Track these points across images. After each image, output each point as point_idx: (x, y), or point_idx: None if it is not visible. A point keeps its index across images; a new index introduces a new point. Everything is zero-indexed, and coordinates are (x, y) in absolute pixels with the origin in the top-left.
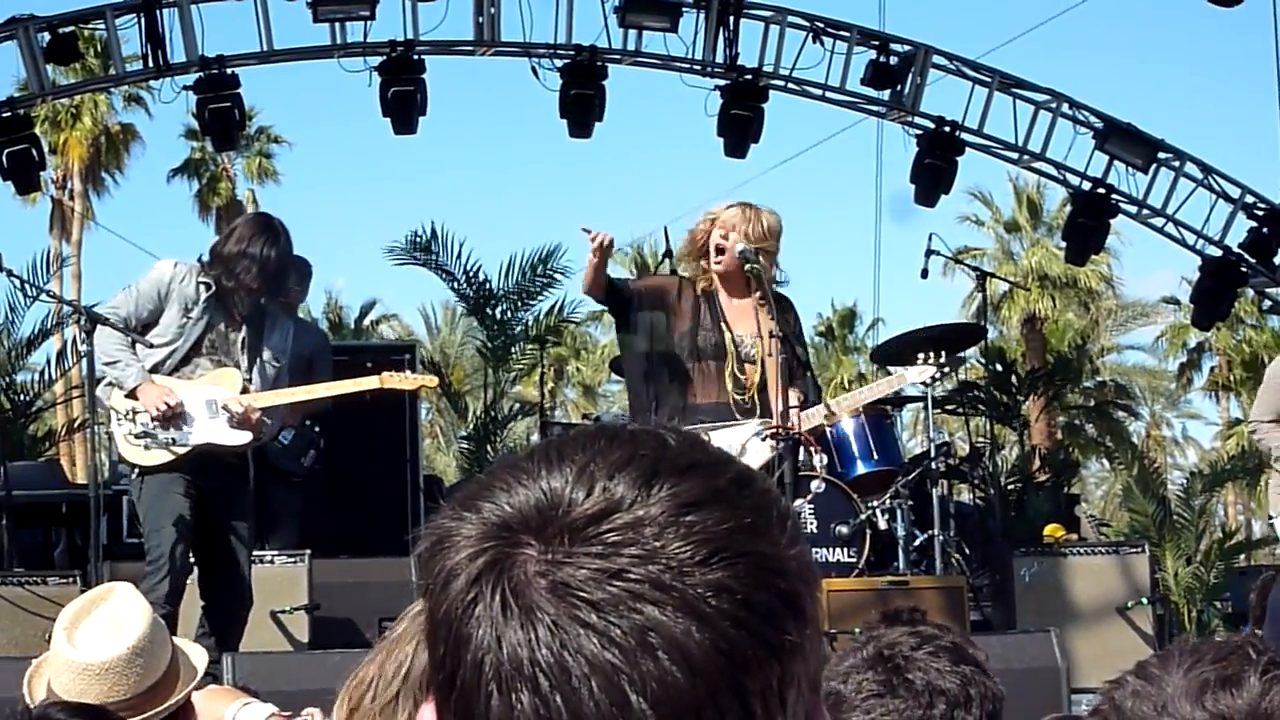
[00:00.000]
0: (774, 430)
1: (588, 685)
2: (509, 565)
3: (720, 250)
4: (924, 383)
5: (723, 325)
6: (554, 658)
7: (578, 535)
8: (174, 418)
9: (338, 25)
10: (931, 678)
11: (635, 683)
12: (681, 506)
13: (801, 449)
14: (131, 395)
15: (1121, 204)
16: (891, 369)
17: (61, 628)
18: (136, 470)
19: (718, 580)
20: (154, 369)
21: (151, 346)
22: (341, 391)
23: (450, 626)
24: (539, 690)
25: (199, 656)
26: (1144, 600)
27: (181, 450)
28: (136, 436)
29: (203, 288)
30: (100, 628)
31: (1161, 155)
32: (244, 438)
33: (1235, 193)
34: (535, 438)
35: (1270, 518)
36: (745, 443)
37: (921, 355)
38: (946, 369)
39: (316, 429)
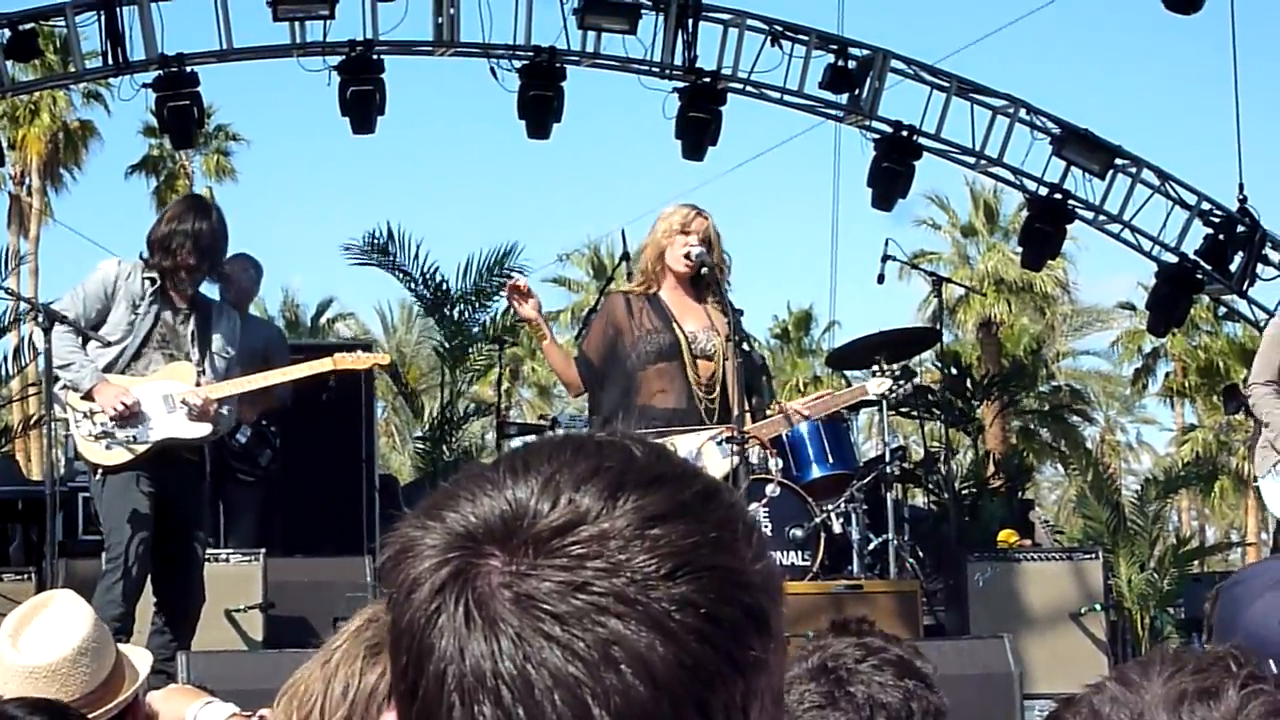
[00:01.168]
0: (729, 435)
1: (550, 698)
2: (473, 576)
3: (688, 255)
4: (882, 395)
5: (673, 324)
6: (517, 670)
7: (542, 547)
8: (131, 416)
9: (297, 24)
10: (874, 691)
11: (598, 696)
12: (647, 520)
13: (756, 452)
14: (88, 397)
15: (1078, 209)
16: (849, 375)
17: (5, 635)
18: (99, 470)
19: (682, 594)
20: (107, 367)
21: (107, 344)
22: (297, 376)
23: (413, 637)
24: (501, 702)
25: (141, 658)
26: (1097, 606)
27: (142, 447)
28: (96, 437)
29: (148, 282)
30: (44, 631)
31: (1118, 161)
32: (203, 430)
33: (1192, 199)
34: (491, 437)
35: (1257, 479)
36: (701, 447)
37: (878, 367)
38: (902, 382)
39: (273, 428)
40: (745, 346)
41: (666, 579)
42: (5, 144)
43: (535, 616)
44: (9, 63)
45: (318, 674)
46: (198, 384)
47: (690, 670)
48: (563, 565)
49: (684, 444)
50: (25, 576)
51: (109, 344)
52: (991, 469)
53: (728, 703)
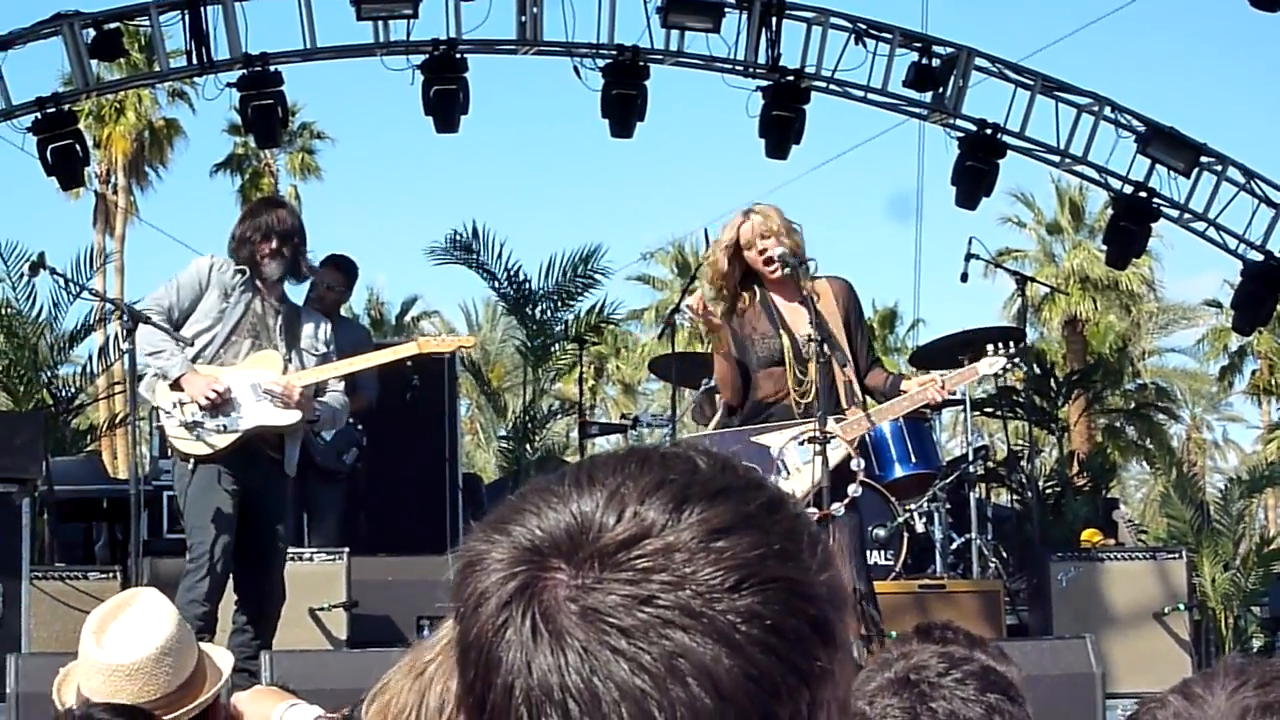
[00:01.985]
0: (812, 435)
1: (617, 711)
2: (539, 589)
3: (769, 260)
4: (996, 374)
5: (780, 330)
6: (584, 683)
7: (608, 560)
8: (222, 404)
9: (381, 23)
10: (955, 706)
11: (664, 708)
12: (712, 532)
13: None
14: (176, 386)
15: (1163, 208)
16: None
17: (90, 632)
18: (191, 460)
19: (747, 606)
20: (199, 353)
21: (191, 345)
22: (382, 361)
23: (481, 650)
24: (569, 715)
25: (224, 658)
26: (1181, 606)
27: (232, 436)
28: (187, 427)
29: (239, 274)
30: (128, 630)
31: (1204, 159)
32: (293, 417)
33: (1278, 197)
34: (574, 436)
35: None
36: (784, 446)
37: (991, 346)
38: (1017, 359)
39: (359, 427)
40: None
41: (732, 591)
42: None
43: (601, 630)
44: (94, 62)
45: (410, 685)
46: (284, 373)
47: (756, 682)
48: (628, 579)
49: (772, 442)
50: (110, 575)
51: (191, 344)
52: (1075, 468)
53: (794, 714)
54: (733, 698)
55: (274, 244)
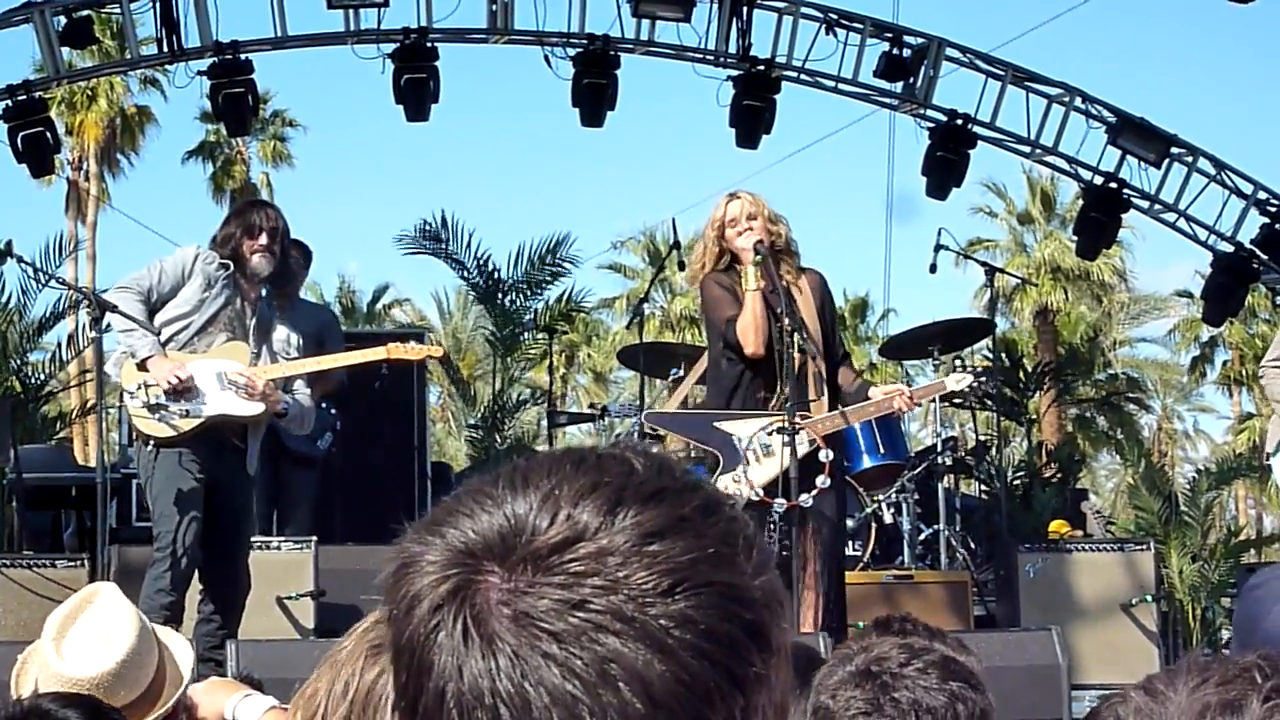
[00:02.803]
0: (781, 425)
1: (548, 716)
2: (471, 593)
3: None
4: (962, 392)
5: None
6: (515, 688)
7: (541, 564)
8: (185, 390)
9: (351, 12)
10: (918, 695)
11: (596, 714)
12: (645, 536)
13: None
14: (142, 367)
15: (1133, 198)
16: (904, 364)
17: (49, 637)
18: (151, 443)
19: (680, 611)
20: (171, 338)
21: (158, 334)
22: (349, 363)
23: (413, 653)
24: None
25: (185, 658)
26: (1149, 597)
27: (195, 422)
28: (150, 409)
29: (222, 268)
30: (87, 639)
31: (1174, 150)
32: (255, 408)
33: (1248, 189)
34: (545, 425)
35: (1269, 455)
36: (753, 436)
37: (956, 375)
38: (983, 380)
39: (333, 410)
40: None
41: (665, 596)
42: (63, 130)
43: (533, 634)
44: (65, 49)
45: (326, 672)
46: (251, 366)
47: (688, 687)
48: (561, 583)
49: (738, 430)
50: (78, 563)
51: (158, 333)
52: (1044, 459)
53: (728, 718)
54: (665, 703)
55: (264, 240)
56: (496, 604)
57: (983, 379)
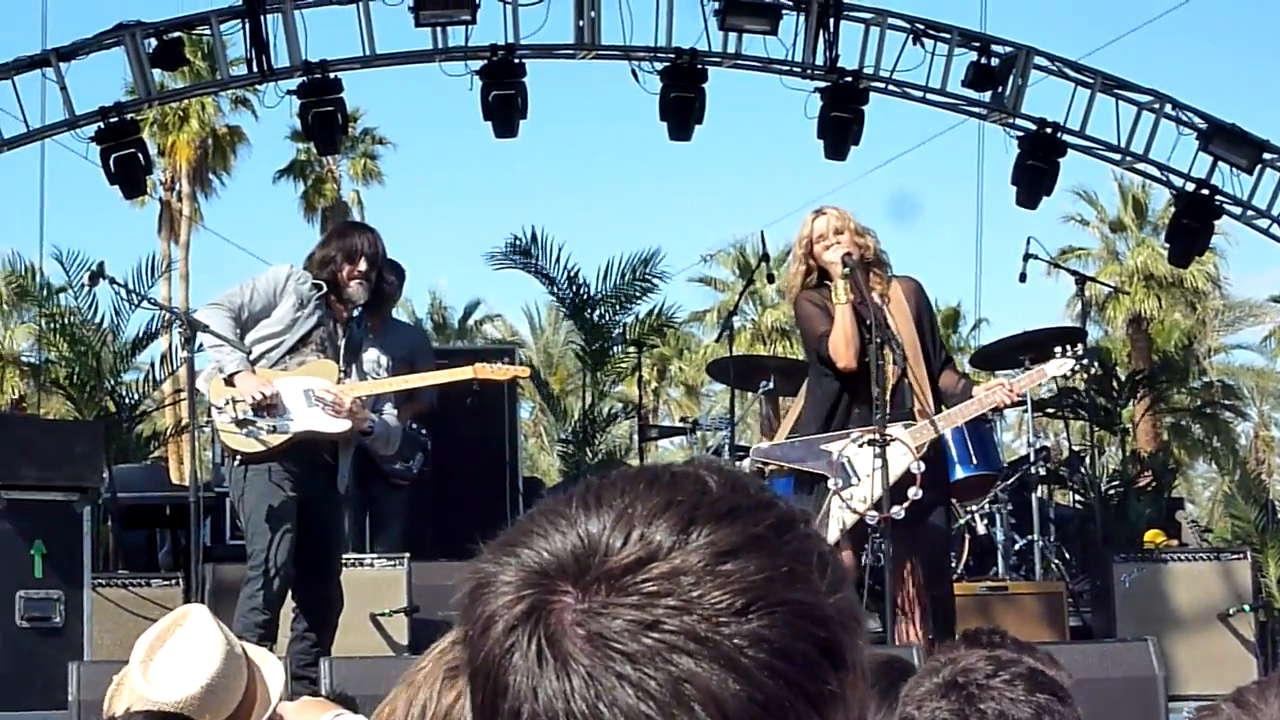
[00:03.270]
0: (872, 437)
1: None
2: (546, 613)
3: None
4: (1064, 375)
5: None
6: (589, 709)
7: (615, 584)
8: (270, 406)
9: (439, 30)
10: (1005, 707)
11: None
12: (719, 555)
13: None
14: (230, 382)
15: (1226, 205)
16: (996, 373)
17: (138, 660)
18: (238, 458)
19: (754, 630)
20: (262, 355)
21: (249, 353)
22: (435, 382)
23: (488, 674)
24: None
25: (276, 678)
26: (1246, 607)
27: (281, 438)
28: (237, 424)
29: (315, 289)
30: (174, 662)
31: (1266, 156)
32: (342, 425)
33: None
34: (635, 438)
35: None
36: (844, 449)
37: (1059, 348)
38: (1085, 360)
39: (424, 433)
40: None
41: (738, 615)
42: (155, 151)
43: (607, 655)
44: (156, 71)
45: (403, 694)
46: (338, 383)
47: (762, 707)
48: (634, 603)
49: (836, 448)
50: (173, 582)
51: (249, 352)
52: (1138, 468)
53: None
54: None
55: (363, 267)
56: (571, 624)
57: (1083, 359)
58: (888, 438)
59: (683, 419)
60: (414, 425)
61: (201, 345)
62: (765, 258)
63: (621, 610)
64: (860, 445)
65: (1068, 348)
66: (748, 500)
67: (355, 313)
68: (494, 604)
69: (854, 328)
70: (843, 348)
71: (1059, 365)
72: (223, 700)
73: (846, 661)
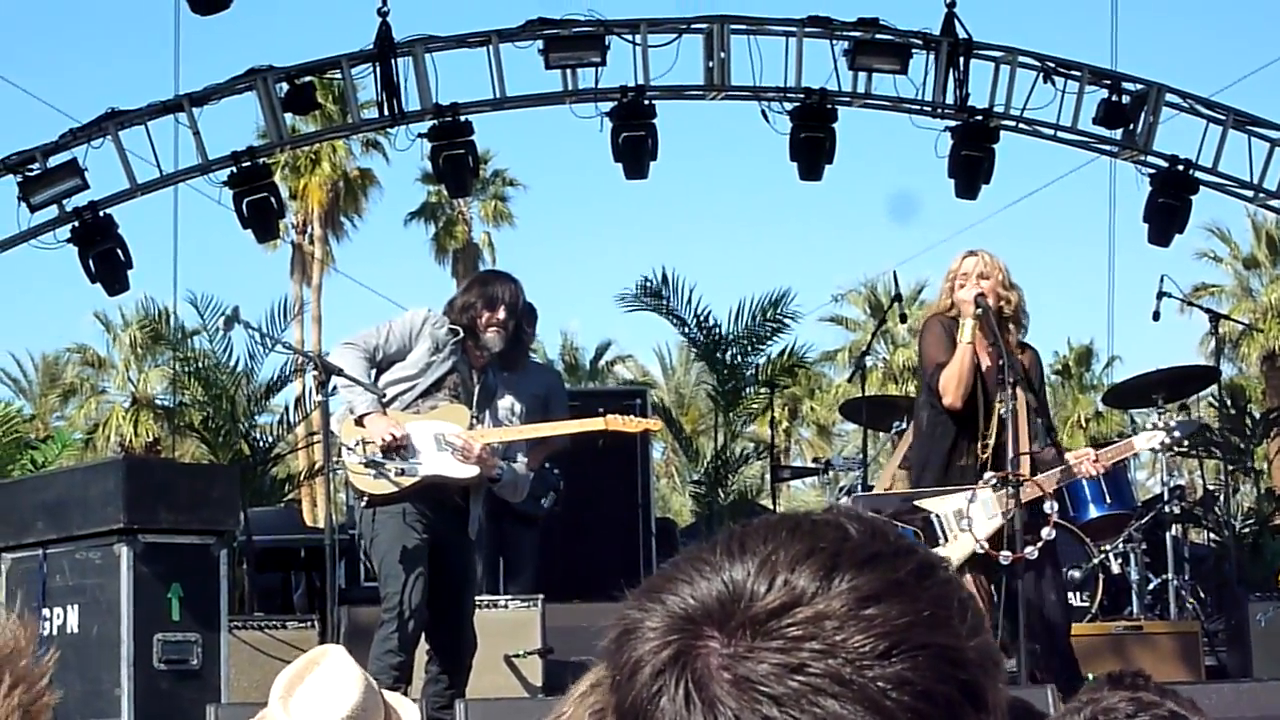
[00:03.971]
0: (1004, 477)
1: None
2: (692, 658)
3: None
4: (1153, 449)
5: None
6: None
7: (760, 629)
8: (400, 449)
9: (569, 72)
10: None
11: None
12: (861, 600)
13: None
14: (360, 423)
15: None
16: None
17: (277, 696)
18: (365, 499)
19: (897, 673)
20: (395, 398)
21: (383, 396)
22: (567, 431)
23: (636, 717)
24: None
25: (410, 716)
26: None
27: (409, 480)
28: (366, 465)
29: (451, 334)
30: (314, 695)
31: None
32: (470, 471)
33: None
34: (767, 479)
35: None
36: (977, 491)
37: (1152, 419)
38: (1177, 434)
39: (556, 471)
40: (1034, 388)
41: (882, 658)
42: (287, 194)
43: (754, 698)
44: (288, 115)
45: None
46: (470, 429)
47: None
48: (779, 647)
49: (939, 507)
50: (308, 624)
51: (383, 394)
52: (1273, 506)
53: None
54: None
55: (502, 315)
56: (717, 669)
57: (1175, 433)
58: (1018, 478)
59: (815, 459)
60: (547, 464)
61: (335, 389)
62: (898, 297)
63: (767, 654)
64: (993, 486)
65: (1160, 419)
66: (888, 547)
67: (491, 359)
68: (641, 649)
69: (970, 371)
70: (953, 385)
71: (1149, 438)
72: None
73: (987, 704)
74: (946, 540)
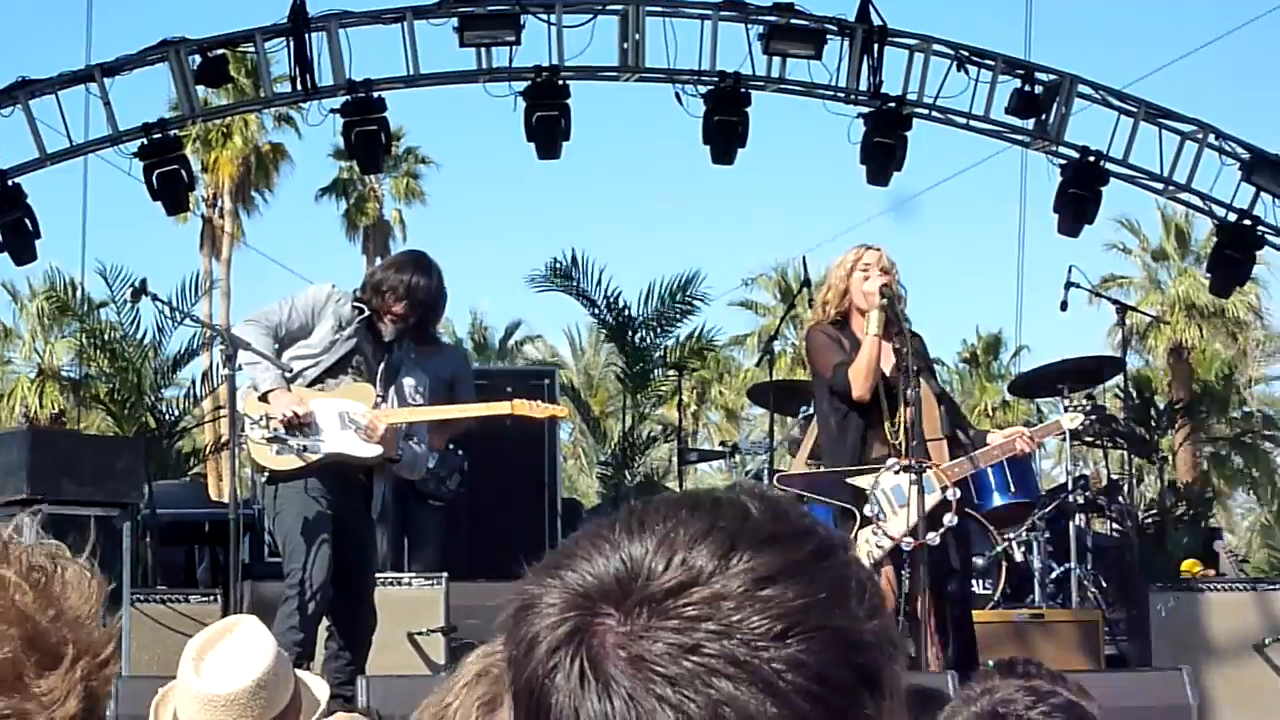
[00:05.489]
0: (907, 464)
1: None
2: (589, 635)
3: (869, 292)
4: (1077, 428)
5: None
6: None
7: (656, 607)
8: (302, 426)
9: (484, 50)
10: None
11: None
12: (758, 580)
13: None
14: (264, 399)
15: (1268, 235)
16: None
17: (189, 658)
18: (266, 474)
19: (792, 655)
20: (298, 374)
21: (290, 373)
22: (473, 415)
23: (532, 694)
24: None
25: (321, 689)
26: None
27: (313, 458)
28: (268, 441)
29: (356, 310)
30: (226, 659)
31: None
32: (373, 450)
33: None
34: (674, 461)
35: None
36: (879, 477)
37: (1066, 400)
38: (1094, 416)
39: (460, 453)
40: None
41: (777, 640)
42: (198, 167)
43: (648, 677)
44: (200, 88)
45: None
46: (374, 408)
47: None
48: (676, 626)
49: (870, 483)
50: (211, 598)
51: (289, 369)
52: (1176, 497)
53: None
54: None
55: (403, 309)
56: (613, 647)
57: (1093, 416)
58: (922, 465)
59: (722, 443)
60: (451, 445)
61: (241, 365)
62: (807, 282)
63: (663, 634)
64: (895, 472)
65: (1084, 402)
66: (788, 527)
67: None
68: (538, 625)
69: (878, 360)
70: (862, 379)
71: (1071, 419)
72: (272, 699)
73: (884, 688)
74: (885, 516)
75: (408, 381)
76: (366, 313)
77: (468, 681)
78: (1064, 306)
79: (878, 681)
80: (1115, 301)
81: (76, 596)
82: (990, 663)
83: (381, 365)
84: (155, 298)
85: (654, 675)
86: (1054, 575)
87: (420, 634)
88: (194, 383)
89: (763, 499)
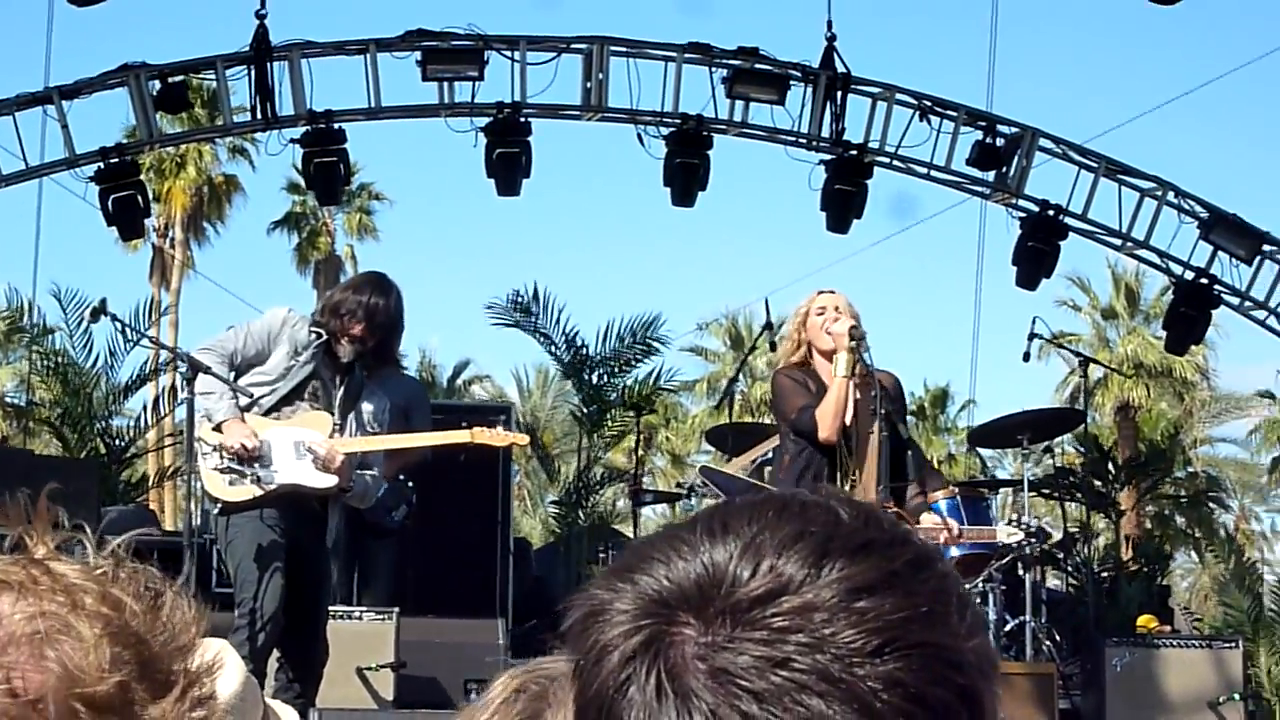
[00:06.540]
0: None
1: None
2: (666, 645)
3: (836, 334)
4: (1009, 545)
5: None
6: None
7: (741, 617)
8: (256, 458)
9: (446, 85)
10: None
11: None
12: (853, 591)
13: None
14: (218, 429)
15: (1224, 295)
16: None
17: None
18: (219, 505)
19: (889, 673)
20: (255, 402)
21: (248, 397)
22: (431, 443)
23: (601, 707)
24: None
25: (289, 716)
26: (1236, 695)
27: (267, 488)
28: (221, 471)
29: (313, 335)
30: None
31: (1266, 247)
32: (328, 481)
33: None
34: (624, 504)
35: None
36: None
37: (1008, 528)
38: (1034, 542)
39: (410, 484)
40: (900, 423)
41: (873, 656)
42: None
43: (732, 693)
44: (158, 114)
45: None
46: (331, 437)
47: None
48: (762, 638)
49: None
50: None
51: (249, 395)
52: (1130, 553)
53: None
54: None
55: (361, 330)
56: (692, 658)
57: (1033, 539)
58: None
59: (677, 485)
60: (400, 477)
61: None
62: (769, 325)
63: (748, 645)
64: None
65: (1020, 523)
66: (883, 534)
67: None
68: (609, 633)
69: (846, 402)
70: (830, 419)
71: (1009, 533)
72: (243, 710)
73: (984, 710)
74: None
75: (366, 407)
76: (324, 337)
77: (505, 699)
78: (1026, 357)
79: (978, 704)
80: (1078, 354)
81: (182, 622)
82: None
83: (340, 391)
84: (115, 318)
85: (738, 690)
86: (1009, 627)
87: (370, 669)
88: (144, 410)
89: (852, 504)
